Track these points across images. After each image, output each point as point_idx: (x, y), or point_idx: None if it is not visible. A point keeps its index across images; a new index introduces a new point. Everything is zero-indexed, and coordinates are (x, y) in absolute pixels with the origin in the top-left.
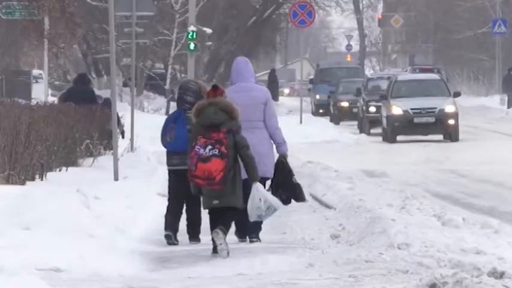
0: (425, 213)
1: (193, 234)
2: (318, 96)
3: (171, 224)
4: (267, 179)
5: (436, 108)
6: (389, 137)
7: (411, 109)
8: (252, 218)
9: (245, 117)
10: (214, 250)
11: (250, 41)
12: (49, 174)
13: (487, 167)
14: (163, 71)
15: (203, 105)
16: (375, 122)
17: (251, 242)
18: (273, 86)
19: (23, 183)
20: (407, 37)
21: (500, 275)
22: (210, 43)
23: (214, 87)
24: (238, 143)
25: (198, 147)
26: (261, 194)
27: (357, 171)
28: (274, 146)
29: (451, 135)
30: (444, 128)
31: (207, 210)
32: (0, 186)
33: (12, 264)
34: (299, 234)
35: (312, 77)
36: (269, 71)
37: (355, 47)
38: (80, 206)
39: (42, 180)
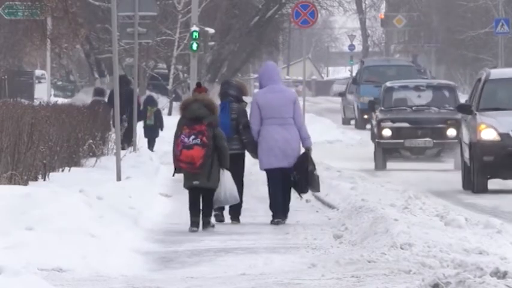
0: (428, 213)
1: (235, 214)
2: (362, 99)
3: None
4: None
5: None
6: (476, 181)
7: None
8: (216, 203)
9: (279, 114)
10: (193, 225)
11: (253, 41)
12: (52, 174)
13: None
14: (166, 71)
15: (189, 101)
16: (391, 151)
17: (275, 223)
18: None
19: (25, 183)
20: (410, 37)
21: (503, 275)
22: (212, 43)
23: (199, 85)
24: (216, 136)
25: (183, 136)
26: (227, 182)
27: (359, 171)
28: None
29: None
30: None
31: (235, 192)
32: (3, 187)
33: (15, 264)
34: (302, 234)
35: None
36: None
37: (358, 47)
38: (82, 206)
39: (44, 180)
